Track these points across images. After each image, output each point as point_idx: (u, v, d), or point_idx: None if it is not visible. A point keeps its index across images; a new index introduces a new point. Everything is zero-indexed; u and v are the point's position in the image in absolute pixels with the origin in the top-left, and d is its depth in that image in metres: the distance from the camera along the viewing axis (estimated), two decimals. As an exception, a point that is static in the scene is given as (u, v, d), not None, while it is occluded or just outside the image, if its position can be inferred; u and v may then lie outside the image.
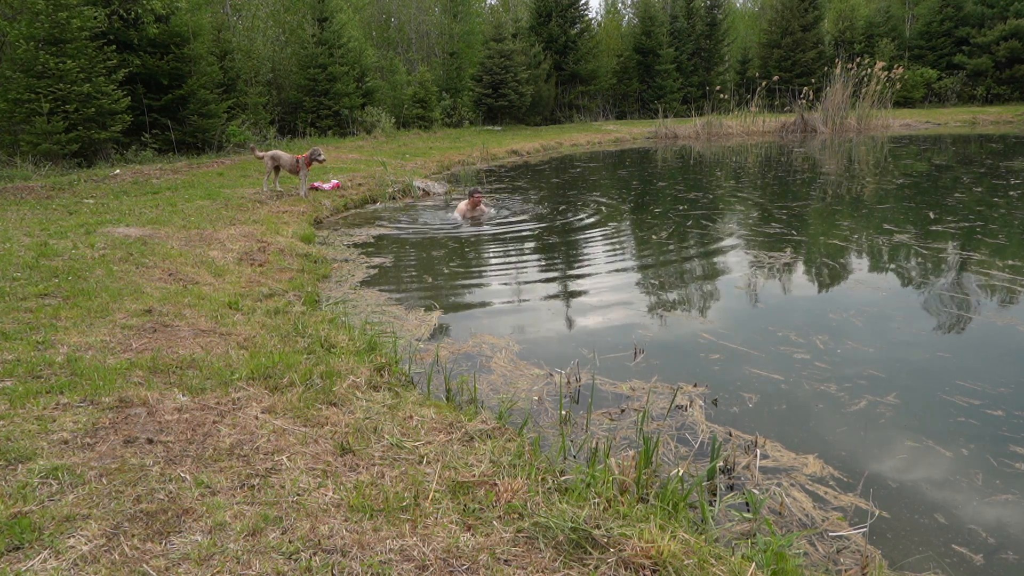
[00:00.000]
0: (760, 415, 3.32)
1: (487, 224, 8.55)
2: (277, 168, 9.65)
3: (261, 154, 9.73)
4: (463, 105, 27.26)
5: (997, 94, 30.69)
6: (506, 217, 9.09)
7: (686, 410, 3.36)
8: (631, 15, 37.61)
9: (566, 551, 2.03)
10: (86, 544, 1.95)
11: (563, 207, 9.73)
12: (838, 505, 2.60)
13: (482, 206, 8.99)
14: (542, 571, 1.94)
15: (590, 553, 2.02)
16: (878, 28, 33.90)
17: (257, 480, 2.34)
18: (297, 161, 9.39)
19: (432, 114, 24.86)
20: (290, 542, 2.00)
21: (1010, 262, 5.87)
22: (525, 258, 6.80)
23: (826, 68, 27.64)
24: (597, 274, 6.08)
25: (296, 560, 1.93)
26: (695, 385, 3.65)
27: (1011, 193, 9.54)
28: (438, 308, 5.11)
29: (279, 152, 9.68)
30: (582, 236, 7.76)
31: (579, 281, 5.89)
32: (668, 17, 32.88)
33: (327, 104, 21.31)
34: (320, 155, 9.30)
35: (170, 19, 14.61)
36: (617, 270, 6.20)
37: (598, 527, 2.09)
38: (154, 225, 6.90)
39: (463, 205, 8.98)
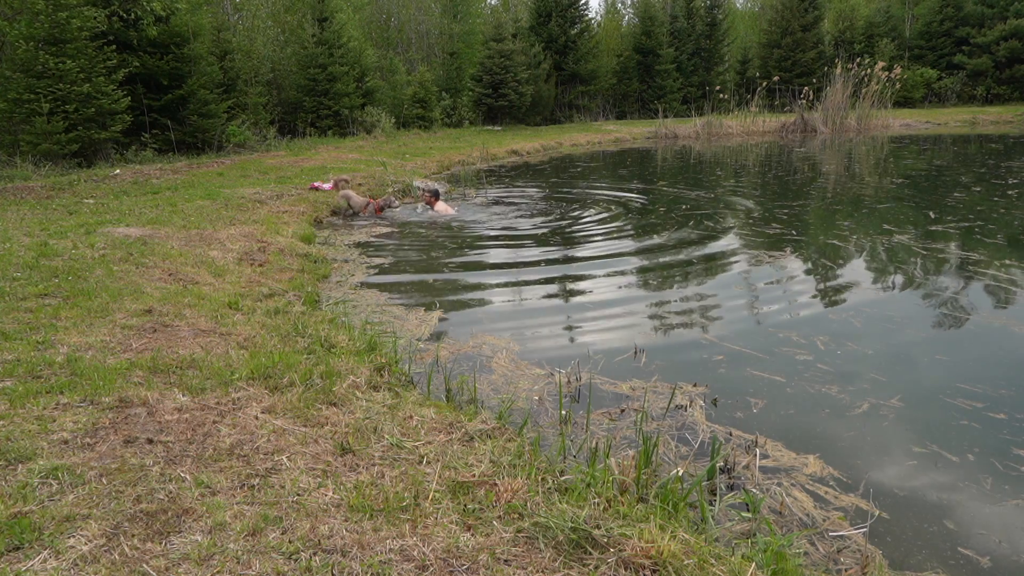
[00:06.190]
0: (760, 415, 3.32)
1: (456, 220, 8.90)
2: (349, 206, 9.60)
3: (341, 194, 9.67)
4: (463, 105, 27.24)
5: (997, 94, 30.69)
6: (510, 215, 9.19)
7: (686, 410, 3.36)
8: (631, 15, 37.59)
9: (566, 551, 2.03)
10: (86, 544, 1.95)
11: (564, 207, 9.73)
12: (839, 505, 2.60)
13: (441, 206, 9.29)
14: (542, 571, 1.94)
15: (590, 553, 2.01)
16: (878, 28, 33.89)
17: (257, 480, 2.34)
18: (367, 206, 9.44)
19: (432, 114, 24.85)
20: (290, 542, 2.00)
21: (1009, 262, 5.87)
22: (526, 258, 6.80)
23: (826, 68, 27.63)
24: (598, 274, 6.07)
25: (296, 560, 1.93)
26: (695, 385, 3.65)
27: (1010, 193, 9.54)
28: (438, 308, 5.11)
29: (351, 192, 9.66)
30: (583, 236, 7.76)
31: (580, 281, 5.88)
32: (668, 17, 32.85)
33: (327, 104, 21.29)
34: (394, 203, 9.50)
35: (170, 19, 14.59)
36: (617, 270, 6.19)
37: (598, 527, 2.09)
38: (154, 225, 6.90)
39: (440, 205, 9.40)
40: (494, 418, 3.05)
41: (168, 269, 5.29)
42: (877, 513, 2.53)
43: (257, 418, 2.81)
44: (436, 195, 9.43)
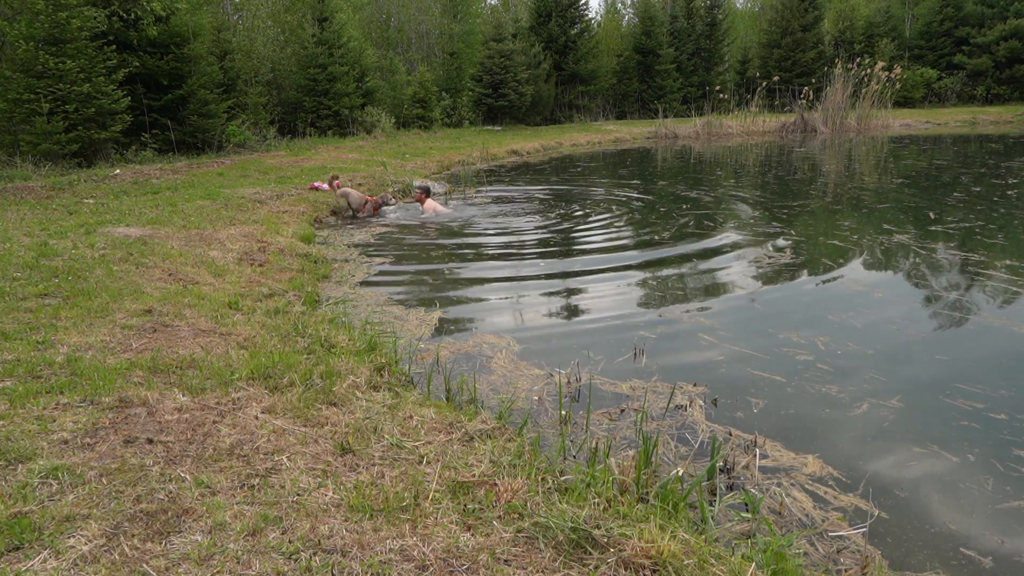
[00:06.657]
0: (760, 415, 3.32)
1: (451, 219, 9.00)
2: (349, 205, 9.63)
3: (340, 192, 9.76)
4: (463, 105, 27.24)
5: (997, 94, 30.69)
6: (507, 214, 9.28)
7: (686, 410, 3.36)
8: (631, 15, 37.62)
9: (566, 551, 2.03)
10: (86, 544, 1.95)
11: (564, 207, 9.73)
12: (838, 505, 2.60)
13: (430, 203, 9.31)
14: (542, 571, 1.94)
15: (590, 553, 2.02)
16: (878, 28, 33.89)
17: (257, 480, 2.34)
18: (366, 203, 9.47)
19: (432, 114, 24.85)
20: (290, 542, 2.00)
21: (1008, 262, 5.87)
22: (526, 258, 6.80)
23: (826, 68, 27.62)
24: (598, 274, 6.07)
25: (296, 560, 1.93)
26: (695, 385, 3.65)
27: (1010, 193, 9.54)
28: (438, 308, 5.11)
29: (349, 190, 9.70)
30: (583, 235, 7.76)
31: (580, 281, 5.88)
32: (668, 17, 32.87)
33: (327, 104, 21.30)
34: (390, 200, 9.58)
35: (170, 19, 14.59)
36: (618, 270, 6.19)
37: (598, 527, 2.09)
38: (154, 225, 6.90)
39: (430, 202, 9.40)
40: (494, 418, 3.05)
41: (168, 269, 5.29)
42: (877, 513, 2.53)
43: (257, 418, 2.81)
44: (427, 192, 9.44)
